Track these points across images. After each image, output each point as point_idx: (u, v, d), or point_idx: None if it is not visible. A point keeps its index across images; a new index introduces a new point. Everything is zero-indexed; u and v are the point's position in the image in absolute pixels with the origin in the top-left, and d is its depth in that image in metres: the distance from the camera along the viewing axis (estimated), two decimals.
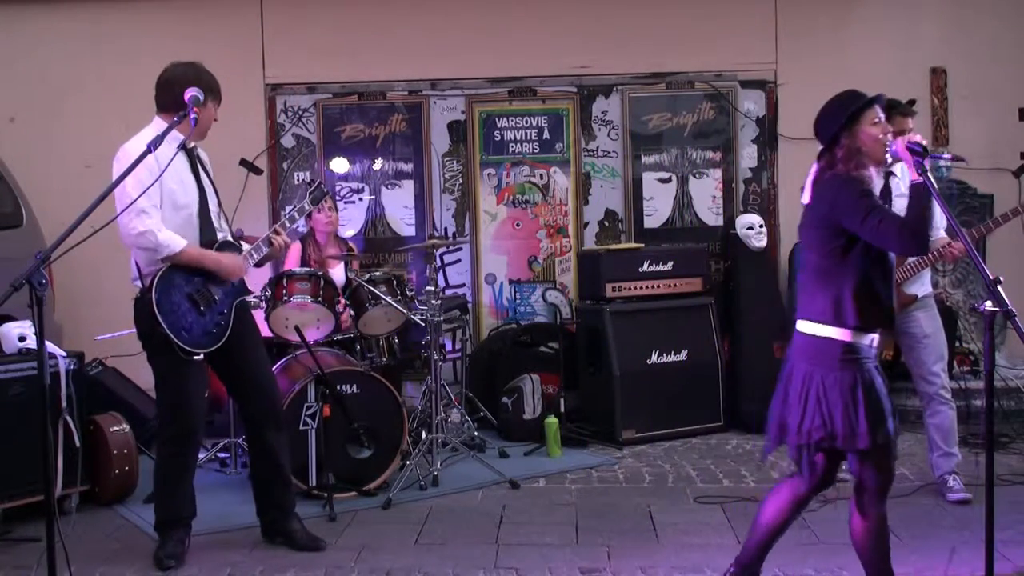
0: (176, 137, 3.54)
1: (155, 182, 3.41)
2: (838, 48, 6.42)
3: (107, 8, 6.24)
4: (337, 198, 6.38)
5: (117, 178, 3.18)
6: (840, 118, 2.87)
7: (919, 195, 2.76)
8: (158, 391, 3.76)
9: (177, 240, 3.58)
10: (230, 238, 3.83)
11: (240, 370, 3.84)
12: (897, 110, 4.51)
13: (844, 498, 4.34)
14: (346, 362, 4.80)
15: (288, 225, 4.02)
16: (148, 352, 3.71)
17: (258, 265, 3.96)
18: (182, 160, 3.65)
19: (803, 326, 2.98)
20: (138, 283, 3.67)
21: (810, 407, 2.86)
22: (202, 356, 3.64)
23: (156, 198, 3.52)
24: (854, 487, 2.99)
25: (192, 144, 3.72)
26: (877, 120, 2.88)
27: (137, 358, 3.95)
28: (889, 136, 2.88)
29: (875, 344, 2.90)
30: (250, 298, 4.97)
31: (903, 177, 4.52)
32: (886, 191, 4.52)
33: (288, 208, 4.20)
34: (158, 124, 3.65)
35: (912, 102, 5.52)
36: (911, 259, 4.39)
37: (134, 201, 3.36)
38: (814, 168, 2.98)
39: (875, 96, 2.92)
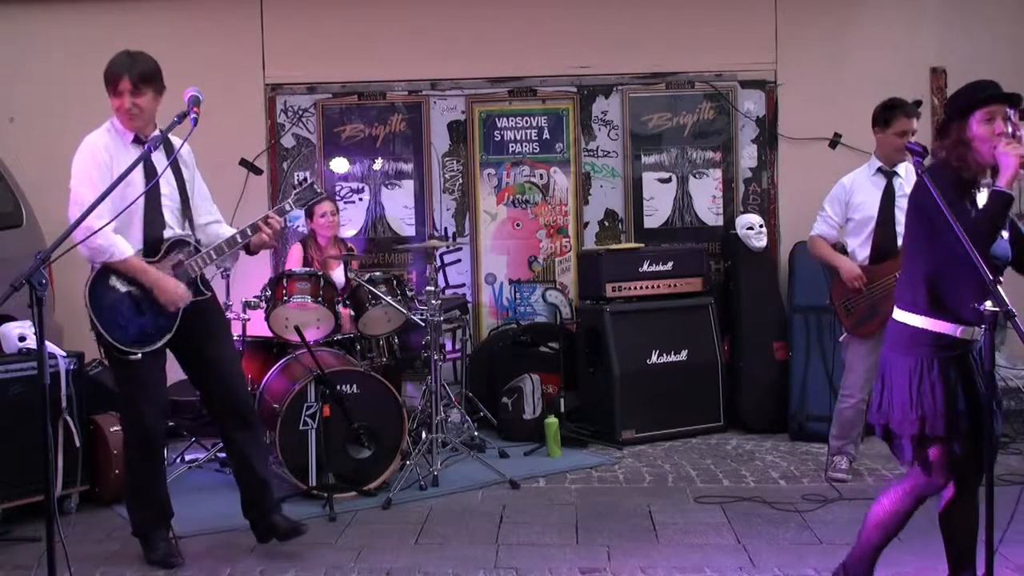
0: (124, 131, 3.53)
1: (114, 186, 3.10)
2: (838, 48, 6.42)
3: (107, 8, 6.24)
4: (337, 198, 6.38)
5: (117, 177, 3.10)
6: (961, 102, 2.86)
7: (996, 200, 2.72)
8: (117, 394, 3.72)
9: (122, 247, 3.46)
10: (187, 235, 3.65)
11: (202, 367, 3.73)
12: (901, 110, 4.51)
13: (845, 499, 4.36)
14: (346, 362, 4.80)
15: (287, 208, 3.75)
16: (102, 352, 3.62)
17: (250, 252, 3.80)
18: (135, 154, 3.47)
19: (898, 314, 2.96)
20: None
21: (913, 397, 2.83)
22: (139, 356, 3.48)
23: (110, 197, 3.31)
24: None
25: (150, 137, 3.56)
26: (992, 119, 2.82)
27: None
28: (1002, 138, 2.79)
29: (969, 335, 2.82)
30: (250, 298, 5.02)
31: (907, 177, 4.52)
32: (889, 192, 4.52)
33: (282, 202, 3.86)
34: (114, 121, 3.60)
35: (918, 103, 5.50)
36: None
37: (99, 202, 3.07)
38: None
39: (1000, 93, 2.89)
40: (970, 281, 2.76)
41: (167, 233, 3.59)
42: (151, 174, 3.51)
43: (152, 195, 3.51)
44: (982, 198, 2.85)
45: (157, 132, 3.59)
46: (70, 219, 3.36)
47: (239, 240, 3.64)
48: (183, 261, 3.60)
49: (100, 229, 3.16)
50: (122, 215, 3.38)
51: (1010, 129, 2.83)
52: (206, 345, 3.69)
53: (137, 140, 3.55)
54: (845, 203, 4.63)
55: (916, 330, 2.86)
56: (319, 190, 3.88)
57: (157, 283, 3.50)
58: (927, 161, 2.87)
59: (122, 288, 3.49)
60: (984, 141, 2.81)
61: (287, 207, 3.74)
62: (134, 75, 3.47)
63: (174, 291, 3.53)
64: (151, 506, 3.70)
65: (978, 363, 2.87)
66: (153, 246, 3.56)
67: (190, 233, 3.68)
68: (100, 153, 3.49)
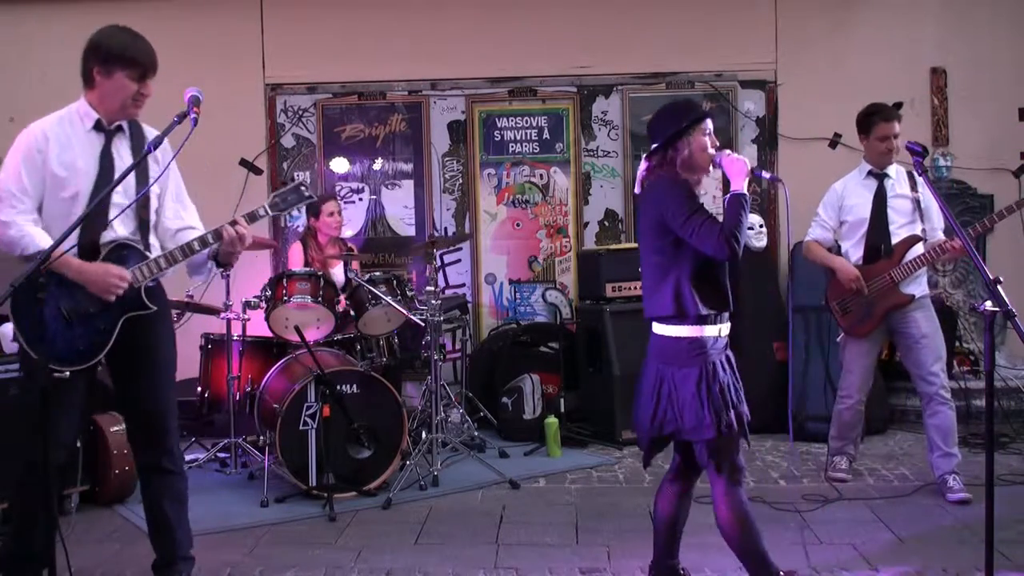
0: (89, 113, 3.15)
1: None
2: (838, 48, 6.43)
3: (107, 8, 6.21)
4: (338, 198, 6.38)
5: (119, 177, 3.01)
6: (680, 123, 3.02)
7: (735, 203, 2.96)
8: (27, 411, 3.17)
9: (38, 239, 2.99)
10: (132, 239, 3.16)
11: (128, 395, 3.26)
12: (879, 115, 4.53)
13: (846, 498, 4.36)
14: (346, 362, 4.80)
15: (261, 214, 3.27)
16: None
17: (220, 265, 3.27)
18: (93, 141, 3.13)
19: (656, 327, 3.19)
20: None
21: (662, 403, 3.06)
22: (67, 375, 2.96)
23: (31, 185, 3.03)
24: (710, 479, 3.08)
25: (116, 124, 3.18)
26: (708, 132, 3.06)
27: None
28: (713, 148, 3.05)
29: (722, 335, 3.09)
30: (250, 298, 5.02)
31: (898, 179, 4.55)
32: (881, 194, 4.54)
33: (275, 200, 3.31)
34: (78, 104, 3.22)
35: (898, 105, 5.52)
36: (909, 258, 4.39)
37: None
38: (644, 165, 3.15)
39: (707, 111, 3.22)
40: (715, 280, 3.10)
41: (108, 236, 3.10)
42: (108, 166, 3.12)
43: (99, 191, 3.06)
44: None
45: (149, 129, 3.28)
46: None
47: (196, 247, 3.14)
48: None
49: (7, 220, 2.93)
50: (60, 212, 3.04)
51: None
52: (143, 371, 3.22)
53: (99, 125, 3.15)
54: (838, 207, 4.66)
55: (692, 340, 3.03)
56: (307, 193, 3.33)
57: (81, 273, 3.01)
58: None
59: (55, 293, 3.02)
60: (702, 152, 3.05)
61: (261, 212, 3.25)
62: (157, 62, 3.19)
63: (103, 275, 3.03)
64: (21, 541, 3.13)
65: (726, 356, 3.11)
66: (89, 249, 3.07)
67: (138, 238, 3.18)
68: (35, 141, 3.10)
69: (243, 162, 6.42)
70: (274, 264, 6.38)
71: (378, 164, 6.58)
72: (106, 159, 3.13)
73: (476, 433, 5.54)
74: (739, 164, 3.02)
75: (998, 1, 6.45)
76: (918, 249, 4.42)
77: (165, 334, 3.31)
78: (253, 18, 6.46)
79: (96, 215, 3.02)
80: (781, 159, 6.53)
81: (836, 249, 4.78)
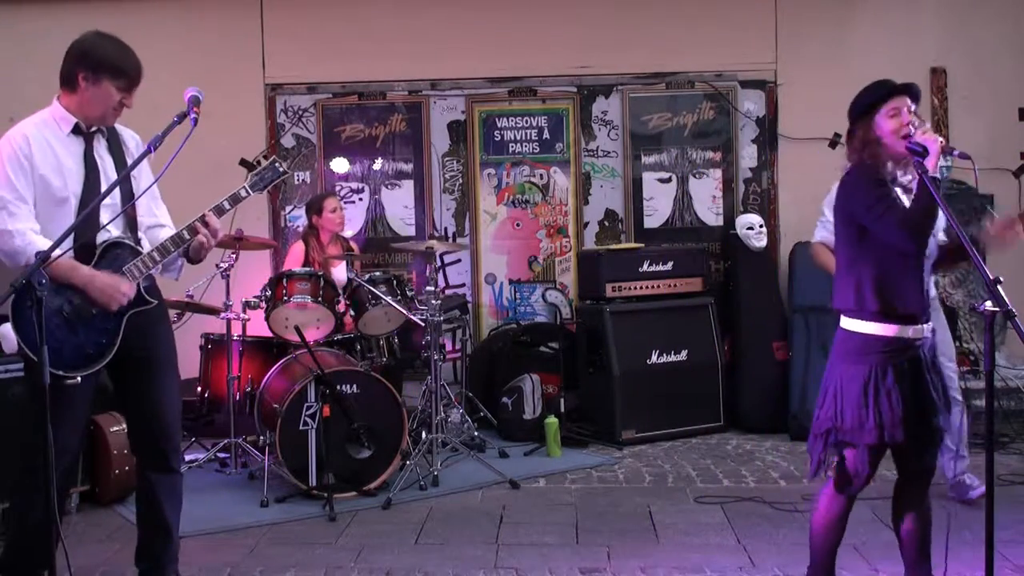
0: (66, 118, 3.11)
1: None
2: (838, 48, 6.42)
3: (107, 8, 6.23)
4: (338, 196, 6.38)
5: (120, 175, 3.03)
6: (861, 106, 2.91)
7: (922, 188, 2.73)
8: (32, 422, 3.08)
9: (41, 245, 2.92)
10: (124, 237, 3.16)
11: (138, 394, 3.22)
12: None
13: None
14: (346, 362, 4.80)
15: (226, 207, 3.25)
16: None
17: (192, 261, 3.27)
18: (73, 145, 3.10)
19: (841, 320, 2.94)
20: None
21: (827, 400, 2.86)
22: (78, 380, 2.98)
23: (24, 191, 2.98)
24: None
25: (94, 128, 3.15)
26: (896, 113, 2.86)
27: None
28: (911, 128, 2.83)
29: (906, 336, 2.81)
30: (250, 298, 5.02)
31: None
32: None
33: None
34: (52, 109, 3.16)
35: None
36: None
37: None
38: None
39: (895, 87, 2.95)
40: (912, 277, 2.81)
41: (102, 237, 3.11)
42: (93, 168, 3.12)
43: (90, 192, 3.07)
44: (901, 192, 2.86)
45: (122, 128, 3.28)
46: None
47: (187, 236, 3.14)
48: (122, 267, 3.11)
49: (11, 230, 2.88)
50: (56, 216, 3.02)
51: (916, 120, 2.88)
52: (145, 371, 3.21)
53: (77, 129, 3.12)
54: None
55: (868, 337, 2.83)
56: (282, 168, 3.34)
57: (91, 282, 3.02)
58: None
59: (56, 298, 2.99)
60: (892, 135, 2.85)
61: (243, 193, 3.26)
62: (140, 79, 3.20)
63: (112, 287, 3.04)
64: (22, 551, 3.09)
65: (927, 360, 2.87)
66: (85, 251, 3.08)
67: (128, 236, 3.19)
68: (18, 147, 3.03)
69: (243, 162, 6.41)
70: (274, 264, 6.38)
71: (378, 164, 6.58)
72: (89, 161, 3.12)
73: (476, 433, 5.54)
74: (931, 145, 2.73)
75: (998, 1, 6.45)
76: None
77: (165, 332, 3.33)
78: (253, 18, 6.46)
79: (89, 217, 3.02)
80: (781, 159, 6.53)
81: None
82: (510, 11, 6.45)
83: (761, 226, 6.18)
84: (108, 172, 3.16)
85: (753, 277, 6.19)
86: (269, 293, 4.84)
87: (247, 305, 5.03)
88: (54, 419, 2.87)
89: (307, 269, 5.00)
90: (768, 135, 6.54)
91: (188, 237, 3.14)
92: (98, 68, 3.11)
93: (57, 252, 2.82)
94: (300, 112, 6.55)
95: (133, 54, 3.19)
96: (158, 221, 3.33)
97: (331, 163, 6.55)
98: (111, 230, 3.14)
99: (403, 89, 6.57)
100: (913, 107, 2.92)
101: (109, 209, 3.11)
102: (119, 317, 3.10)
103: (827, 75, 6.38)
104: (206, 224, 3.14)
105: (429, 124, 6.54)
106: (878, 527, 3.95)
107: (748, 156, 6.58)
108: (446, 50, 6.44)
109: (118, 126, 3.26)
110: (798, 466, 5.02)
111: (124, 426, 4.53)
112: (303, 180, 6.54)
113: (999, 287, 2.60)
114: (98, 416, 4.52)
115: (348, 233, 6.41)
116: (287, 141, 6.56)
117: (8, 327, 4.42)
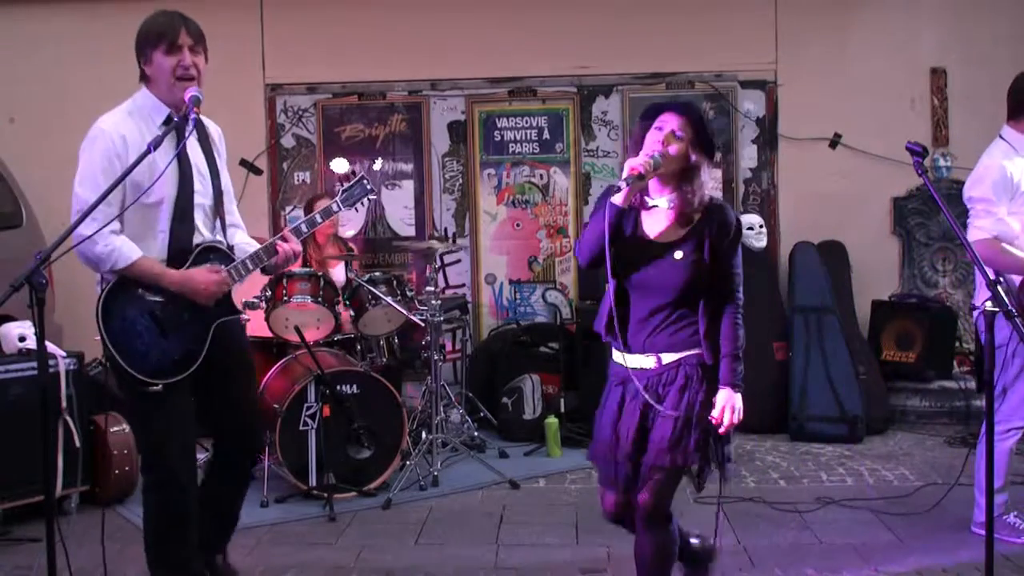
0: (158, 107, 2.97)
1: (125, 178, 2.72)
2: (838, 48, 6.42)
3: (107, 8, 6.23)
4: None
5: (122, 174, 2.84)
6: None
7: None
8: (133, 427, 3.21)
9: (127, 250, 2.86)
10: (218, 241, 3.09)
11: (221, 403, 3.16)
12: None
13: (846, 499, 4.36)
14: (346, 362, 4.80)
15: (304, 230, 3.22)
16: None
17: (266, 272, 3.31)
18: (166, 141, 2.89)
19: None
20: (99, 288, 2.97)
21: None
22: (160, 387, 2.92)
23: (113, 195, 2.80)
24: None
25: (178, 117, 2.96)
26: None
27: None
28: None
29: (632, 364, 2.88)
30: (250, 298, 5.02)
31: None
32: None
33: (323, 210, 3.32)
34: (143, 96, 3.04)
35: None
36: None
37: (97, 203, 2.65)
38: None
39: None
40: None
41: (196, 240, 3.01)
42: (187, 166, 2.98)
43: (184, 193, 2.95)
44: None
45: (210, 123, 3.20)
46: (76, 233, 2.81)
47: (264, 258, 3.10)
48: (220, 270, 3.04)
49: (92, 235, 2.72)
50: (145, 220, 2.92)
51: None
52: (229, 378, 3.16)
53: (168, 120, 2.97)
54: (1014, 189, 3.80)
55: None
56: (369, 186, 3.31)
57: (185, 282, 2.92)
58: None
59: (146, 303, 2.92)
60: None
61: (335, 208, 3.26)
62: (192, 29, 2.95)
63: (208, 282, 2.95)
64: (173, 557, 3.08)
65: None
66: (179, 257, 2.97)
67: (222, 239, 3.11)
68: (113, 146, 2.90)
69: (243, 162, 6.42)
70: None
71: (378, 164, 6.57)
72: (183, 158, 2.97)
73: (476, 433, 5.54)
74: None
75: (998, 1, 6.45)
76: None
77: (245, 337, 3.35)
78: (253, 18, 6.46)
79: (183, 221, 2.95)
80: (781, 159, 6.52)
81: None
82: (510, 11, 6.45)
83: (761, 226, 6.18)
84: (201, 169, 3.06)
85: (753, 277, 6.16)
86: (269, 293, 4.83)
87: (247, 305, 5.00)
88: (163, 432, 2.95)
89: (307, 269, 4.99)
90: (768, 135, 6.54)
91: (273, 254, 3.10)
92: (143, 48, 3.00)
93: (152, 258, 2.85)
94: (300, 112, 6.55)
95: (166, 14, 3.01)
96: (233, 221, 3.24)
97: (331, 163, 6.53)
98: (203, 231, 3.05)
99: (403, 89, 6.57)
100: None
101: (203, 211, 3.04)
102: (208, 323, 3.02)
103: (827, 75, 6.39)
104: (286, 242, 3.11)
105: (429, 124, 6.54)
106: (878, 527, 3.95)
107: (748, 156, 6.58)
108: (446, 50, 6.44)
109: (204, 118, 3.12)
110: (798, 466, 5.02)
111: (124, 426, 4.54)
112: (303, 180, 6.54)
113: (999, 287, 2.61)
114: (98, 416, 4.52)
115: (349, 233, 6.42)
116: (287, 141, 6.56)
117: (8, 327, 4.45)
